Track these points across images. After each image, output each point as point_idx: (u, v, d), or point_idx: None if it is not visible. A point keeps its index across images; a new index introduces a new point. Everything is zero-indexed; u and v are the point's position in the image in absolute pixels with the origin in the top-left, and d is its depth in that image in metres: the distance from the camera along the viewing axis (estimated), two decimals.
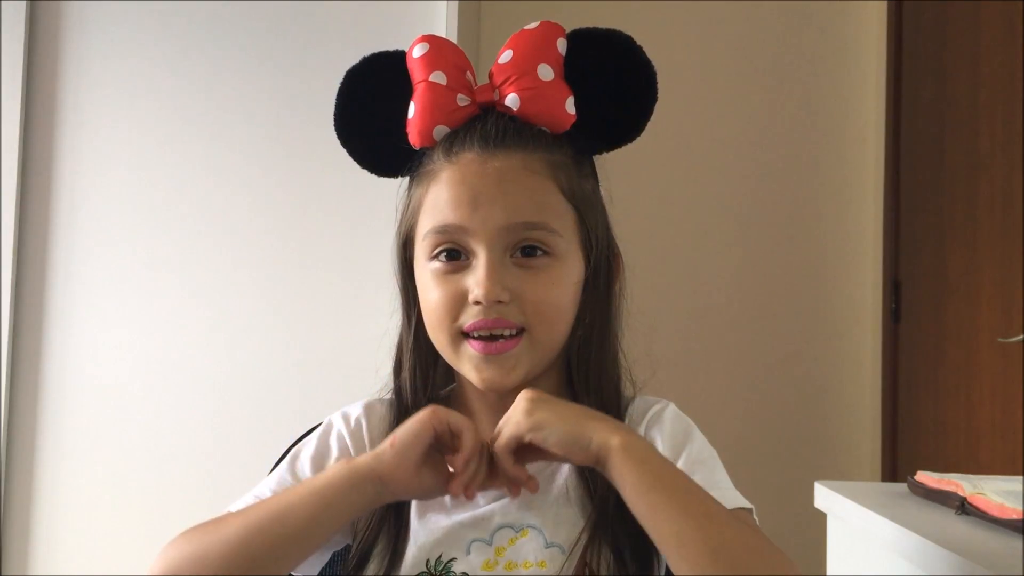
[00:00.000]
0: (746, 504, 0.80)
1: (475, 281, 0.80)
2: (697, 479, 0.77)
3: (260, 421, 1.85)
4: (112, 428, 1.88)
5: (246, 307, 1.89)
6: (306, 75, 1.89)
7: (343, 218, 1.86)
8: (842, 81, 2.37)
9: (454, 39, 1.82)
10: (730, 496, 0.79)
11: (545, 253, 0.82)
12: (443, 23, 1.84)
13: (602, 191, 0.89)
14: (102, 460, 1.88)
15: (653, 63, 0.87)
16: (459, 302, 0.81)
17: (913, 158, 2.17)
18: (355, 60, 0.91)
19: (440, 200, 0.83)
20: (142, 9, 1.91)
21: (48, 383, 1.90)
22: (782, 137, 2.37)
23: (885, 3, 2.31)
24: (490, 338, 0.81)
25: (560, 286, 0.83)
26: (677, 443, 0.83)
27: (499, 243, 0.81)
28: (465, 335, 0.82)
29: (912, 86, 2.20)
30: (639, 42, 0.89)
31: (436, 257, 0.83)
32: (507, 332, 0.81)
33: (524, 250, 0.82)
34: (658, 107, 0.88)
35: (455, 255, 0.82)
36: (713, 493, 0.76)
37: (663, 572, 0.82)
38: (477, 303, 0.80)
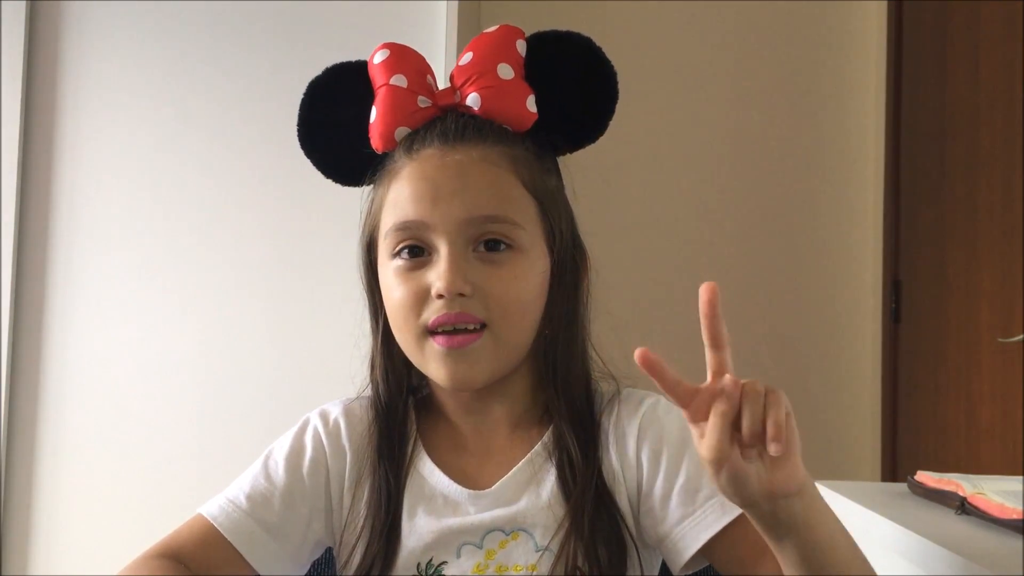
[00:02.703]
0: None
1: (437, 274, 0.79)
2: (705, 484, 0.79)
3: (260, 421, 1.85)
4: (112, 428, 1.88)
5: (246, 307, 1.89)
6: (306, 76, 1.87)
7: (342, 221, 1.85)
8: (842, 81, 2.37)
9: (454, 40, 1.82)
10: None
11: (508, 247, 0.81)
12: (443, 23, 1.84)
13: (568, 191, 0.89)
14: (102, 460, 1.88)
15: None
16: (422, 298, 0.81)
17: (913, 158, 2.17)
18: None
19: (401, 197, 0.83)
20: (142, 9, 1.91)
21: (48, 383, 1.90)
22: (782, 137, 2.37)
23: (885, 3, 2.31)
24: (453, 332, 0.80)
25: (523, 280, 0.82)
26: (677, 444, 0.83)
27: (460, 237, 0.80)
28: (429, 333, 0.81)
29: (912, 86, 2.20)
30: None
31: (398, 254, 0.82)
32: (470, 327, 0.80)
33: (487, 244, 0.81)
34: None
35: (417, 251, 0.82)
36: (723, 496, 0.77)
37: (638, 573, 0.82)
38: (440, 297, 0.79)
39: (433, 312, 0.80)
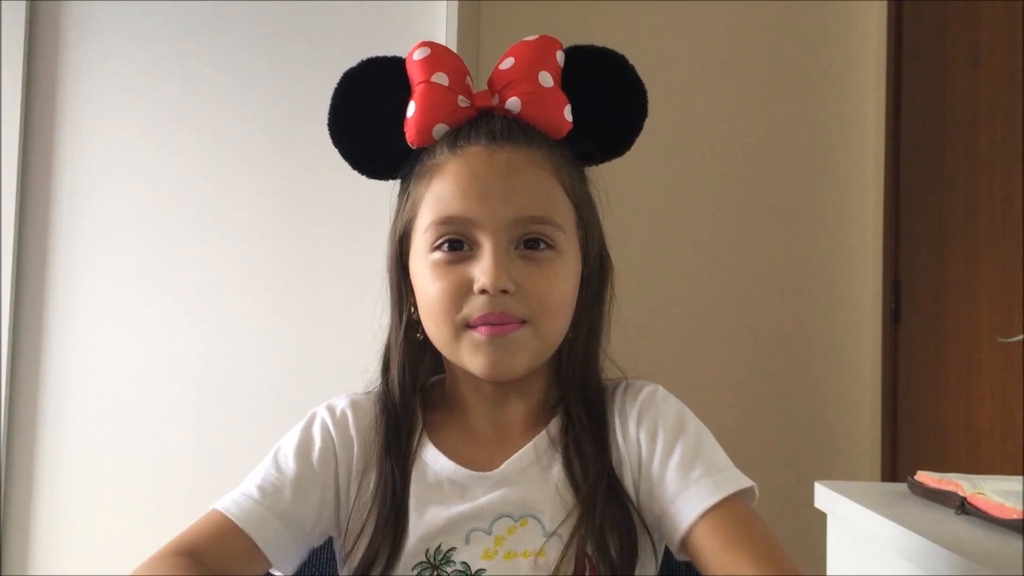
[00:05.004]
0: (748, 483, 0.80)
1: (481, 270, 0.80)
2: (698, 464, 0.80)
3: (259, 421, 1.85)
4: (112, 428, 1.89)
5: (245, 307, 1.89)
6: (306, 76, 1.89)
7: (342, 221, 1.86)
8: (842, 81, 2.37)
9: (454, 40, 1.82)
10: (733, 476, 0.80)
11: (548, 247, 0.83)
12: (443, 24, 1.84)
13: (595, 199, 0.91)
14: (102, 459, 1.88)
15: (652, 67, 0.89)
16: (462, 292, 0.81)
17: (913, 158, 2.17)
18: (355, 62, 0.91)
19: (445, 192, 0.83)
20: (142, 10, 1.91)
21: (48, 383, 1.90)
22: (782, 137, 2.37)
23: (885, 3, 2.31)
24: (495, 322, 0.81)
25: (562, 280, 0.84)
26: (673, 427, 0.84)
27: (505, 235, 0.81)
28: (468, 327, 0.82)
29: (912, 86, 2.20)
30: (636, 41, 0.90)
31: (438, 248, 0.83)
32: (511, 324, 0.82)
33: (527, 243, 0.82)
34: (657, 107, 0.90)
35: (458, 246, 0.83)
36: (717, 476, 0.79)
37: (650, 564, 0.83)
38: (483, 292, 0.80)
39: (476, 309, 0.81)
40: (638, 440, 0.85)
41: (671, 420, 0.85)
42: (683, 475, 0.81)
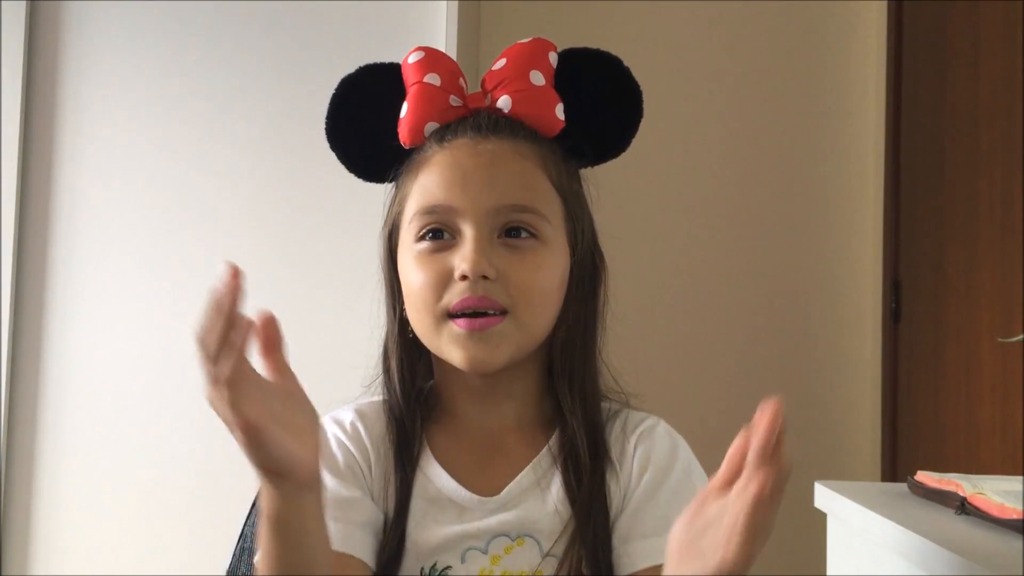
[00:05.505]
0: None
1: (461, 257, 0.80)
2: (668, 520, 0.75)
3: None
4: (112, 428, 1.88)
5: (246, 306, 1.88)
6: (306, 76, 1.89)
7: (342, 221, 1.86)
8: (842, 81, 2.37)
9: (454, 41, 1.82)
10: None
11: (532, 236, 0.83)
12: (443, 24, 1.84)
13: (588, 197, 0.91)
14: (102, 460, 1.88)
15: (651, 67, 0.89)
16: (444, 281, 0.81)
17: (913, 158, 2.17)
18: (355, 62, 0.92)
19: (430, 182, 0.83)
20: (142, 9, 1.91)
21: (48, 383, 1.90)
22: (782, 137, 2.37)
23: (885, 3, 2.31)
24: (475, 316, 0.80)
25: (546, 270, 0.83)
26: (665, 465, 0.84)
27: (487, 223, 0.81)
28: (450, 316, 0.81)
29: (912, 86, 2.20)
30: (636, 40, 0.90)
31: (422, 238, 0.83)
32: (492, 311, 0.81)
33: (510, 232, 0.82)
34: (656, 106, 0.90)
35: (440, 235, 0.83)
36: None
37: None
38: (463, 278, 0.80)
39: (456, 295, 0.80)
40: (631, 471, 0.84)
41: (661, 462, 0.84)
42: (650, 523, 0.81)
